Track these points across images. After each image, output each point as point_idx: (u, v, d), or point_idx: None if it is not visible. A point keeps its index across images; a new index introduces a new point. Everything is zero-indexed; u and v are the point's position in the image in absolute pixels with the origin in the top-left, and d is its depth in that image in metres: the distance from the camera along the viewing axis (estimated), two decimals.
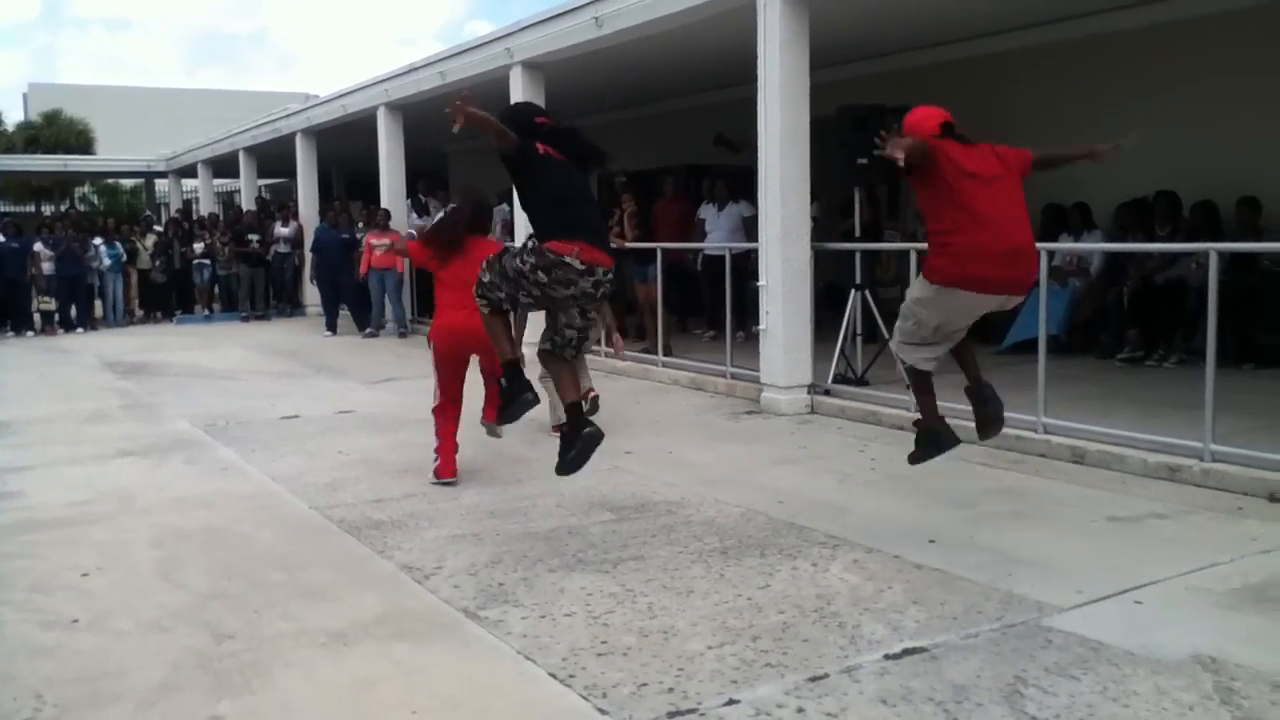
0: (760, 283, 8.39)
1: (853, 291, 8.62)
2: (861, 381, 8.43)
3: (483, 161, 18.89)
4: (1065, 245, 9.90)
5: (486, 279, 4.79)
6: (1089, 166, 5.28)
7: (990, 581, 4.28)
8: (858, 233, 9.03)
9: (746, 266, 9.90)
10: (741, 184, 11.27)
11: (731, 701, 3.26)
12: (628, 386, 9.77)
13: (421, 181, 16.29)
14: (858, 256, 8.75)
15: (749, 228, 10.76)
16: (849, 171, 8.66)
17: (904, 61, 11.66)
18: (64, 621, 4.12)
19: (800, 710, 3.19)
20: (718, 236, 11.43)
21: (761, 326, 8.47)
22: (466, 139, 20.21)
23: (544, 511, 5.52)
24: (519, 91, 11.91)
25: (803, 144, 8.32)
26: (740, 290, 9.96)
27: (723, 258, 9.87)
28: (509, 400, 5.01)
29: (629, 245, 11.00)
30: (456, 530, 5.21)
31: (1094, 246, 9.85)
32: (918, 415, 5.07)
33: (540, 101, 12.05)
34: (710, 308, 11.96)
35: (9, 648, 3.77)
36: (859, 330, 8.65)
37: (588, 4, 10.39)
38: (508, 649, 3.75)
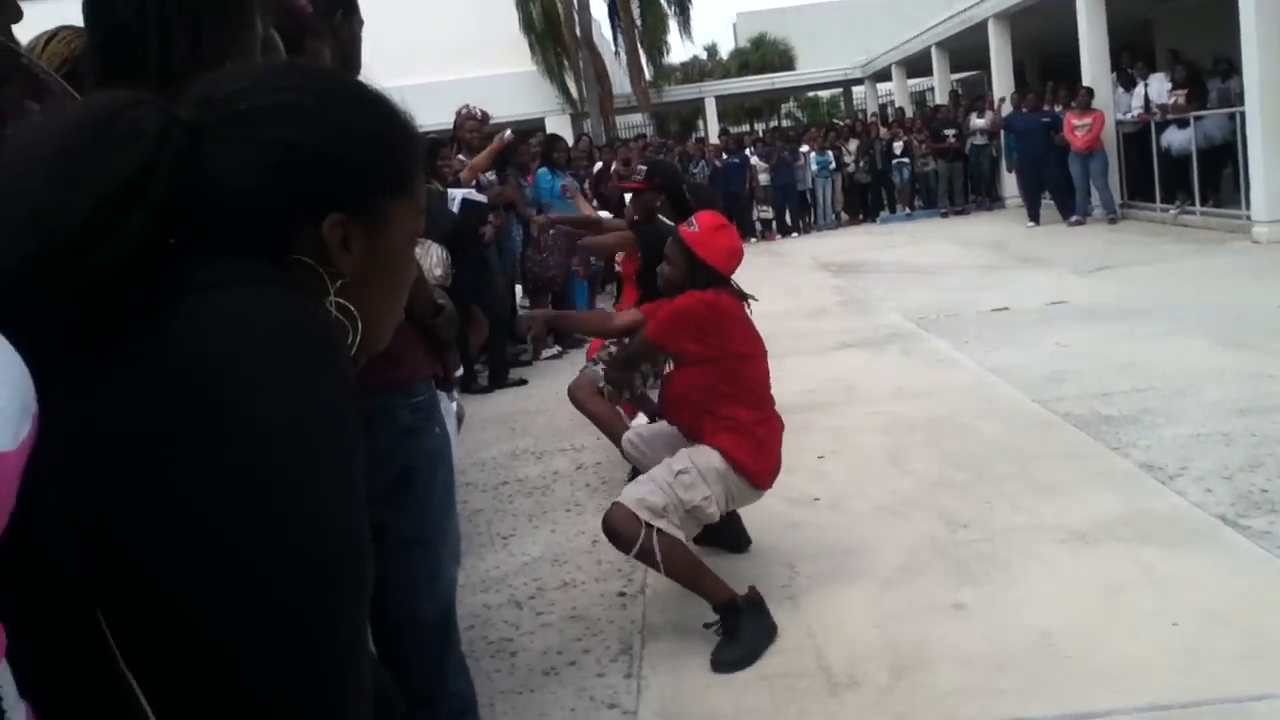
0: None
1: None
2: None
3: (1191, 22, 16.80)
4: None
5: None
6: None
7: None
8: None
9: None
10: None
11: None
12: None
13: (1126, 54, 14.88)
14: None
15: None
16: None
17: None
18: (806, 499, 4.41)
19: None
20: None
21: None
22: None
23: None
24: None
25: None
26: None
27: None
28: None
29: None
30: (1200, 429, 4.66)
31: None
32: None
33: None
34: None
35: (766, 523, 4.10)
36: None
37: None
38: None
